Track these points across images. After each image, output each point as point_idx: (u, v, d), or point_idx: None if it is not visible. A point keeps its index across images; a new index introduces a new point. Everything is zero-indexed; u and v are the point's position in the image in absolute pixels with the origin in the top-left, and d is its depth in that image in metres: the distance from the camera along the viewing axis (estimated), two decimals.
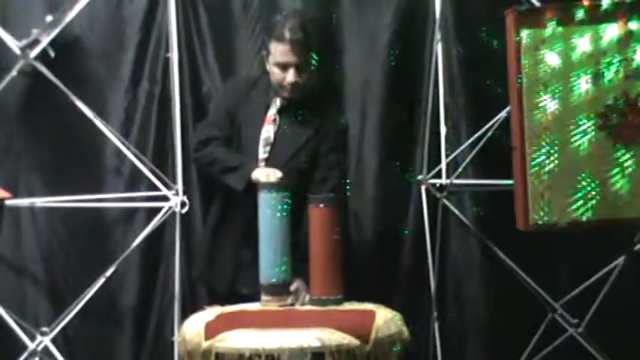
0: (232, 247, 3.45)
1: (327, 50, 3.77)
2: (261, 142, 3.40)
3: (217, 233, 3.53)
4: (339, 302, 3.00)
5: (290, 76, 3.33)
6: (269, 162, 3.37)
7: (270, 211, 3.08)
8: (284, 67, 3.34)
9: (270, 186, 3.13)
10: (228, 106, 3.51)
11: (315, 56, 3.41)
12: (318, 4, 3.98)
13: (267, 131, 3.40)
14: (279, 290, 3.07)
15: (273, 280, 3.06)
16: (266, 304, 3.03)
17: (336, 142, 3.46)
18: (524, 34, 3.34)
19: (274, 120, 3.41)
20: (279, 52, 3.34)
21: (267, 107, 3.43)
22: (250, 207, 3.21)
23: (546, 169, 3.35)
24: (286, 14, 3.47)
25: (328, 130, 3.45)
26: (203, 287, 3.84)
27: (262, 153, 3.39)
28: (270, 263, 3.07)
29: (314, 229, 3.00)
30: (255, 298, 3.14)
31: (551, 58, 3.34)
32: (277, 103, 3.42)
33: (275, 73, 3.37)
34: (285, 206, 3.08)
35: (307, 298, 3.12)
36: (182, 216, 3.95)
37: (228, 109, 3.50)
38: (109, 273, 3.91)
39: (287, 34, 3.31)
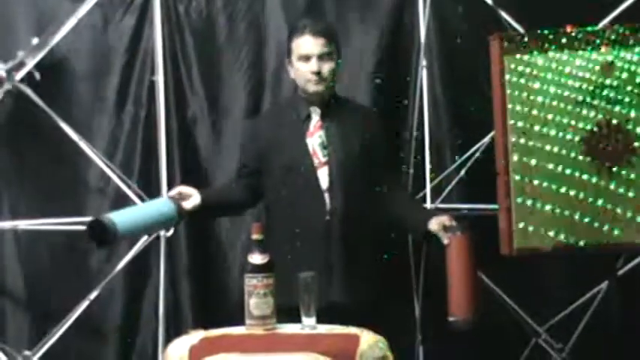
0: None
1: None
2: (318, 148, 3.37)
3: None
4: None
5: (313, 65, 3.34)
6: (330, 164, 3.36)
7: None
8: (307, 58, 3.35)
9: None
10: (256, 148, 3.45)
11: (337, 50, 3.40)
12: None
13: (320, 136, 3.38)
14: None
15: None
16: (250, 328, 3.02)
17: (385, 135, 3.53)
18: (509, 60, 3.36)
19: (321, 126, 3.42)
20: (300, 45, 3.36)
21: (308, 118, 3.42)
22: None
23: (530, 193, 3.37)
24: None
25: (374, 122, 3.50)
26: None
27: (322, 157, 3.35)
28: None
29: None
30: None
31: (535, 84, 3.36)
32: (317, 110, 3.43)
33: (299, 69, 3.37)
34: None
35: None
36: (167, 239, 3.95)
37: (257, 151, 3.44)
38: (93, 296, 3.90)
39: (307, 27, 3.36)
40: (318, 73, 3.33)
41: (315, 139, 3.37)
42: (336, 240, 3.31)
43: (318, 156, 3.35)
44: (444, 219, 3.25)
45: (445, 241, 3.21)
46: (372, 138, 3.44)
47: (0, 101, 3.88)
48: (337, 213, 3.30)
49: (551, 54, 3.37)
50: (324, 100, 3.39)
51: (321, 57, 3.34)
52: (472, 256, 3.17)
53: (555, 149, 3.36)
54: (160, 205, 3.16)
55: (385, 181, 3.45)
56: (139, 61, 4.05)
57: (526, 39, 3.39)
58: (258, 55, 4.10)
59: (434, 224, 3.26)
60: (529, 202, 3.36)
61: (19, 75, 3.85)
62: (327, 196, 3.32)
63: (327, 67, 3.35)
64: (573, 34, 3.37)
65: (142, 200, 3.90)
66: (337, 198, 3.32)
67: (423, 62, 4.00)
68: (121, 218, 2.98)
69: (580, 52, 3.36)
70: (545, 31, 3.40)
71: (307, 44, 3.34)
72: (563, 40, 3.37)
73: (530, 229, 3.36)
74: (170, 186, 3.95)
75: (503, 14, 3.84)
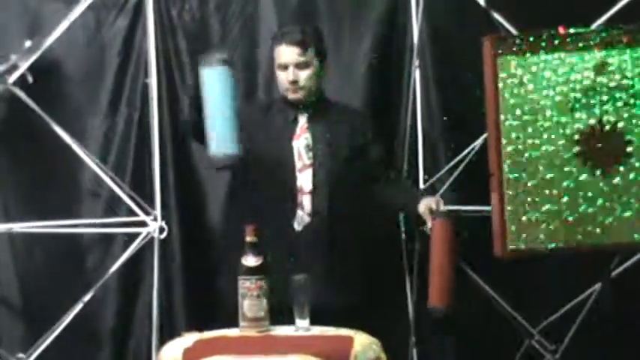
0: None
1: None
2: (303, 150, 3.40)
3: None
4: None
5: (289, 74, 3.37)
6: (314, 166, 3.38)
7: (219, 85, 3.13)
8: (284, 67, 3.39)
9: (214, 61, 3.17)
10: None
11: (317, 57, 3.42)
12: None
13: (306, 138, 3.42)
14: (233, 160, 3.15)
15: (229, 152, 3.12)
16: (244, 330, 3.02)
17: (377, 136, 3.58)
18: (501, 61, 3.37)
19: (307, 128, 3.43)
20: (277, 54, 3.41)
21: (295, 120, 3.44)
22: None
23: (523, 195, 3.37)
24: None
25: (364, 124, 3.56)
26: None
27: (307, 159, 3.38)
28: (224, 135, 3.12)
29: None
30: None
31: (528, 86, 3.37)
32: (304, 113, 3.44)
33: (279, 76, 3.43)
34: (230, 78, 3.15)
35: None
36: (161, 241, 3.94)
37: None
38: (86, 298, 3.89)
39: (284, 36, 3.41)
40: (295, 82, 3.36)
41: (300, 141, 3.39)
42: (319, 242, 3.32)
43: (303, 158, 3.37)
44: (431, 201, 3.36)
45: (429, 225, 3.28)
46: (363, 139, 3.46)
47: None
48: (320, 215, 3.31)
49: (543, 55, 3.37)
50: (310, 103, 3.41)
51: (297, 65, 3.36)
52: (452, 243, 3.21)
53: (548, 151, 3.37)
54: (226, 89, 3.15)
55: (381, 179, 3.47)
56: (132, 63, 4.05)
57: (519, 40, 3.40)
58: (250, 58, 4.10)
59: (422, 206, 3.37)
60: (522, 204, 3.37)
61: (12, 78, 3.84)
62: (309, 198, 3.34)
63: (304, 76, 3.38)
64: (566, 35, 3.38)
65: (136, 203, 3.90)
66: (320, 200, 3.33)
67: (416, 63, 4.00)
68: (226, 141, 3.10)
69: (573, 54, 3.37)
70: (538, 33, 3.40)
71: (284, 53, 3.39)
72: (556, 42, 3.38)
73: (524, 230, 3.37)
74: (163, 189, 3.95)
75: (496, 16, 3.84)
